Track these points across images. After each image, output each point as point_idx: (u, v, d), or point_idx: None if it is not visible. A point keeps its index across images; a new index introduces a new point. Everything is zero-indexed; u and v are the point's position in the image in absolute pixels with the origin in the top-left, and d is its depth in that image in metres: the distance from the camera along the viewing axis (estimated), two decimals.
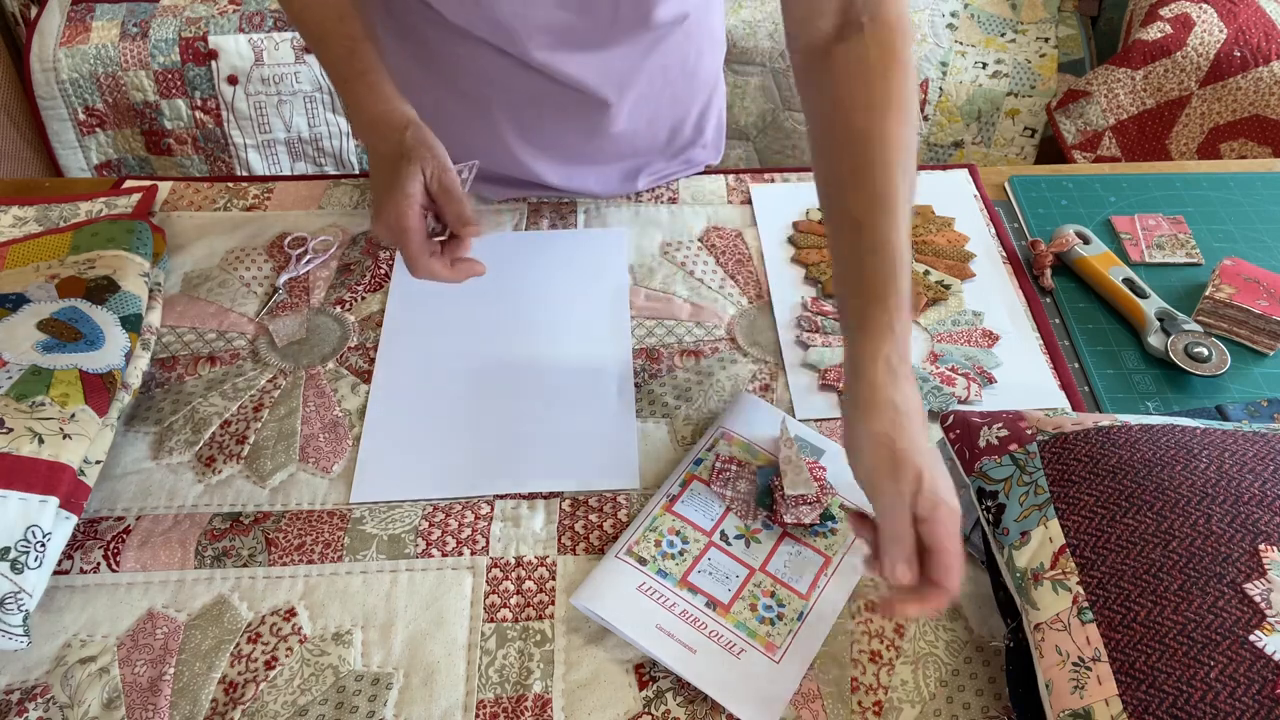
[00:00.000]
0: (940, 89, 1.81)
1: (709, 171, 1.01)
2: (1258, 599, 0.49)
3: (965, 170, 1.00)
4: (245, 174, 1.83)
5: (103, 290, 0.75)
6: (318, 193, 0.98)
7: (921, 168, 0.96)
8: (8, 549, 0.59)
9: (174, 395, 0.78)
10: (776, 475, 0.69)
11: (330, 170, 1.87)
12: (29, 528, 0.60)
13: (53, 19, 1.76)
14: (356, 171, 1.73)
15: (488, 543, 0.67)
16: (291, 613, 0.64)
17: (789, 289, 0.87)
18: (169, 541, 0.67)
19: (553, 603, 0.64)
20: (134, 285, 0.77)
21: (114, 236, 0.81)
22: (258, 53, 1.74)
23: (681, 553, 0.65)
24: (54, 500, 0.61)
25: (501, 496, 0.71)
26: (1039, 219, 0.94)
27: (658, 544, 0.65)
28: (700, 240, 0.92)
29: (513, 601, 0.64)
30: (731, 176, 1.00)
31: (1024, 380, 0.79)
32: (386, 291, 0.87)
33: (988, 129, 1.84)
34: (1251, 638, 0.48)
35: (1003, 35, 1.88)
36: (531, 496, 0.71)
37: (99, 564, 0.66)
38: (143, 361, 0.75)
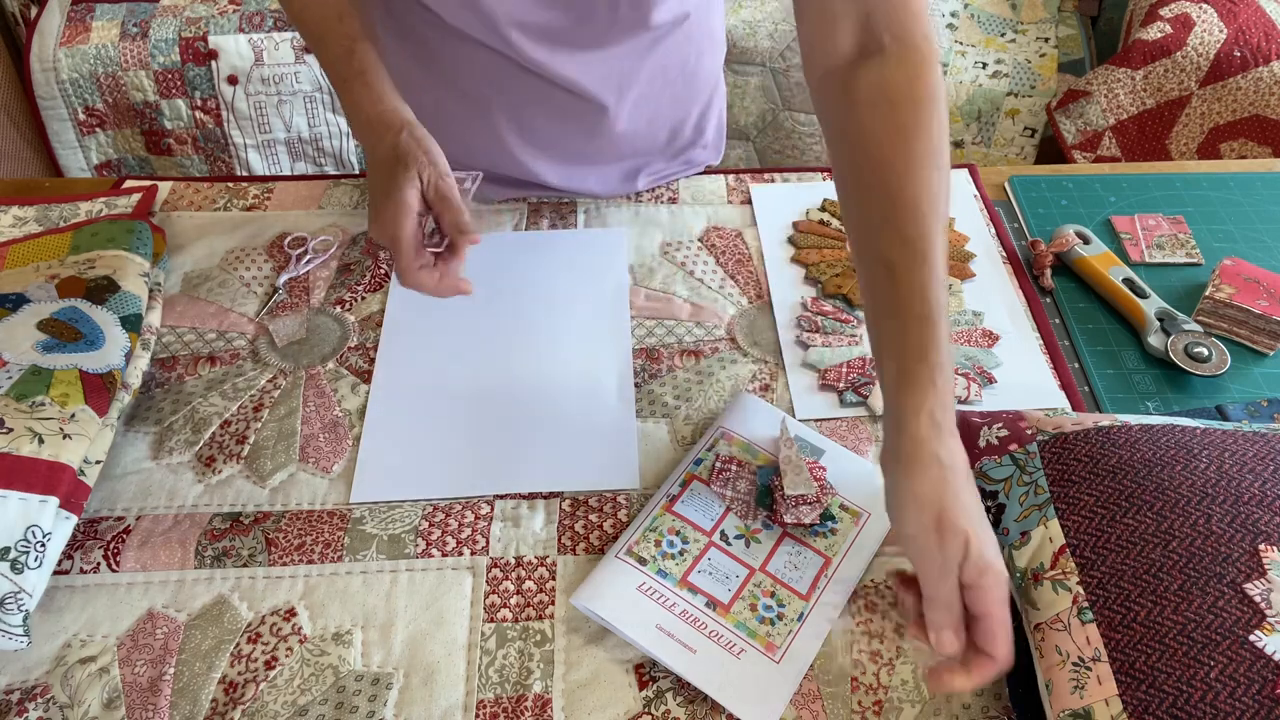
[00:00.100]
0: None
1: (709, 171, 1.01)
2: (1258, 599, 0.49)
3: (965, 170, 1.00)
4: (245, 174, 1.83)
5: (103, 290, 0.75)
6: (318, 193, 0.98)
7: None
8: (8, 549, 0.59)
9: (174, 395, 0.78)
10: (776, 475, 0.69)
11: (330, 170, 1.87)
12: (29, 528, 0.60)
13: (53, 19, 1.76)
14: (356, 171, 1.73)
15: (488, 543, 0.67)
16: (291, 613, 0.64)
17: (789, 289, 0.87)
18: (169, 541, 0.67)
19: (553, 603, 0.64)
20: (134, 285, 0.77)
21: (114, 236, 0.81)
22: (258, 53, 1.74)
23: (681, 553, 0.65)
24: (54, 500, 0.61)
25: (501, 496, 0.71)
26: (1039, 219, 0.94)
27: (658, 544, 0.65)
28: (700, 240, 0.92)
29: (513, 601, 0.64)
30: (731, 176, 1.00)
31: (1024, 380, 0.79)
32: (386, 291, 0.87)
33: (988, 129, 1.84)
34: (1251, 638, 0.48)
35: (1003, 35, 1.89)
36: (531, 496, 0.71)
37: (99, 564, 0.66)
38: (143, 361, 0.75)
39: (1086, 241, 0.88)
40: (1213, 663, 0.48)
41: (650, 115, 0.89)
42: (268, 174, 1.82)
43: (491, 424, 0.76)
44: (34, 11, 1.77)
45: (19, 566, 0.59)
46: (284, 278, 0.88)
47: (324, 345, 0.82)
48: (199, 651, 0.62)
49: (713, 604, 0.63)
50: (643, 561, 0.64)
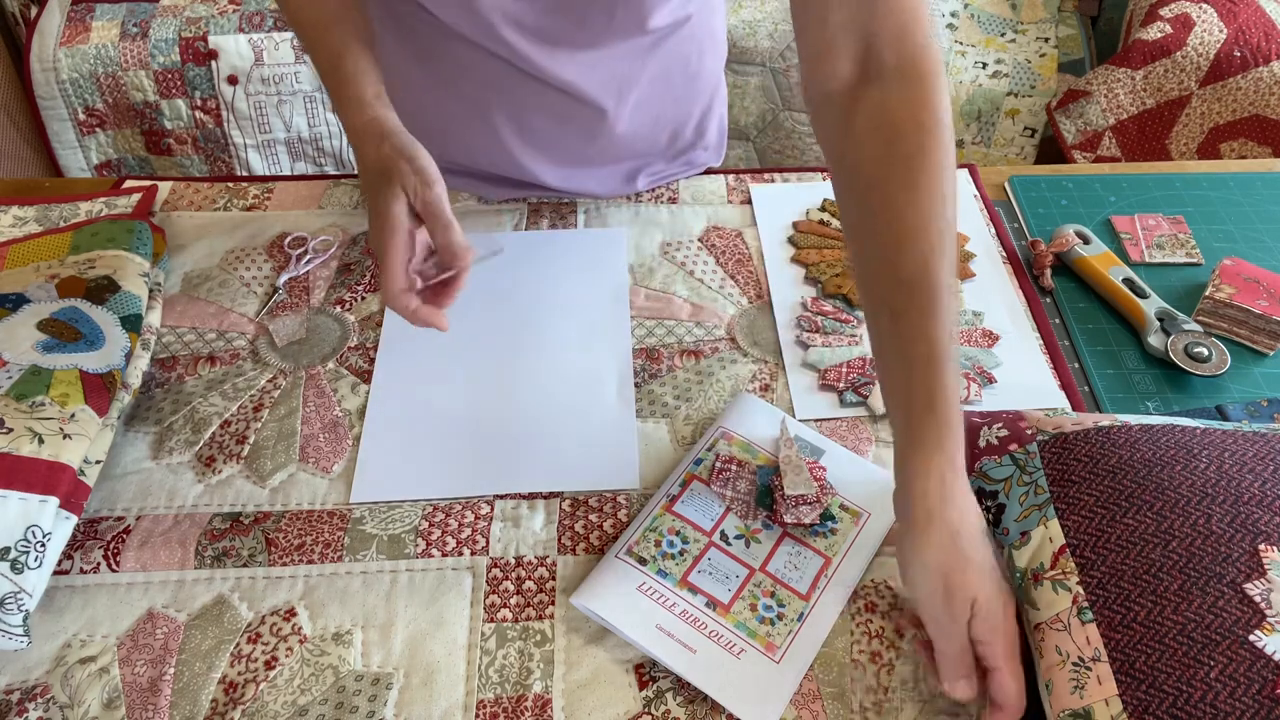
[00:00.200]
0: None
1: (709, 171, 1.01)
2: (1258, 599, 0.49)
3: (965, 170, 1.00)
4: (245, 174, 1.83)
5: (103, 290, 0.75)
6: (318, 193, 0.98)
7: None
8: (8, 549, 0.59)
9: (174, 395, 0.78)
10: (776, 475, 0.69)
11: (330, 170, 1.87)
12: (29, 528, 0.60)
13: (53, 19, 1.76)
14: (356, 171, 1.73)
15: (488, 543, 0.67)
16: (291, 613, 0.64)
17: (789, 289, 0.87)
18: (169, 541, 0.67)
19: (553, 603, 0.64)
20: (134, 285, 0.77)
21: (114, 236, 0.81)
22: (258, 53, 1.74)
23: (681, 553, 0.65)
24: (54, 500, 0.61)
25: (501, 496, 0.71)
26: (1039, 219, 0.94)
27: (658, 544, 0.65)
28: (700, 240, 0.92)
29: (513, 601, 0.64)
30: (731, 176, 1.00)
31: (1024, 380, 0.79)
32: None
33: (988, 129, 1.84)
34: (1251, 638, 0.48)
35: (1003, 35, 1.89)
36: (531, 496, 0.71)
37: (99, 564, 0.66)
38: (143, 361, 0.75)
39: (1086, 241, 0.88)
40: (1213, 663, 0.48)
41: (651, 117, 0.89)
42: (268, 174, 1.82)
43: (491, 424, 0.76)
44: (34, 11, 1.77)
45: (19, 566, 0.59)
46: (284, 278, 0.88)
47: (324, 345, 0.82)
48: (199, 651, 0.62)
49: (713, 604, 0.63)
50: (643, 561, 0.64)
